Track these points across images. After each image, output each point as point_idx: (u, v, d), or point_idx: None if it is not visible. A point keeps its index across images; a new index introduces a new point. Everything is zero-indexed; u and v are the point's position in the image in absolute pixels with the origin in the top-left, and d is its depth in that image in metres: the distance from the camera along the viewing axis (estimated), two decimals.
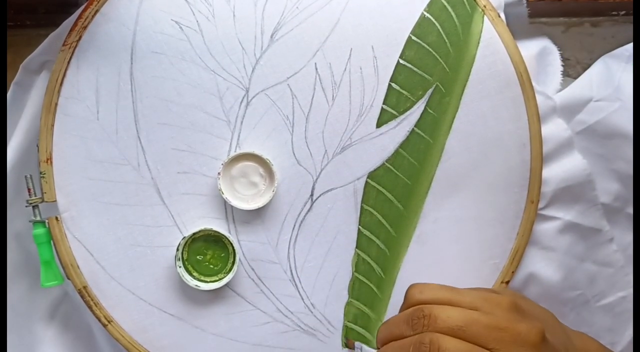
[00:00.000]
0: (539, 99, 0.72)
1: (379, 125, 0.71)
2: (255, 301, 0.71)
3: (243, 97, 0.70)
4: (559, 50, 0.79)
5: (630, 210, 0.77)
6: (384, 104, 0.71)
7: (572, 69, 0.83)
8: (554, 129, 0.74)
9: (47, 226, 0.69)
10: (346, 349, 0.72)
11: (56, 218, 0.69)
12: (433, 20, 0.70)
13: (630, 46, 0.76)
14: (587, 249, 0.76)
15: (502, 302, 0.59)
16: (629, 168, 0.75)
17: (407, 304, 0.61)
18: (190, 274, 0.70)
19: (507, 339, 0.55)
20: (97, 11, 0.68)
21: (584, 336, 0.63)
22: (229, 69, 0.69)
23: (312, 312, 0.71)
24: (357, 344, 0.65)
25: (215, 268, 0.70)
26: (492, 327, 0.55)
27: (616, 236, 0.77)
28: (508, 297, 0.59)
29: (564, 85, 0.78)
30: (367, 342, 0.71)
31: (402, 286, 0.70)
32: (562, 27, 0.83)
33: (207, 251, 0.70)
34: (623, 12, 0.82)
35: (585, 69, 0.79)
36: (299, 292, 0.71)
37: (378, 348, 0.61)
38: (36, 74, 0.73)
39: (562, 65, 0.79)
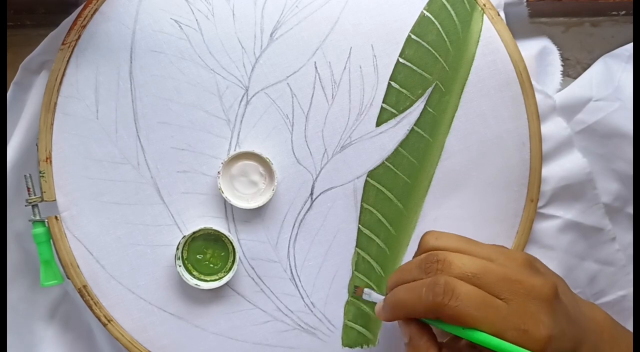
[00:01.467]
0: (539, 97, 0.72)
1: (378, 124, 0.71)
2: (255, 299, 0.71)
3: (243, 96, 0.70)
4: (559, 50, 0.79)
5: (630, 210, 0.77)
6: (383, 102, 0.71)
7: (572, 69, 0.83)
8: (553, 128, 0.74)
9: (46, 225, 0.69)
10: (347, 348, 0.72)
11: (56, 217, 0.69)
12: (433, 19, 0.70)
13: (630, 46, 0.76)
14: (589, 248, 0.75)
15: (517, 257, 0.59)
16: (628, 168, 0.75)
17: (421, 250, 0.62)
18: (190, 273, 0.69)
19: (521, 291, 0.55)
20: (96, 10, 0.69)
21: (593, 305, 0.63)
22: (228, 68, 0.70)
23: (312, 311, 0.71)
24: (366, 290, 0.65)
25: (215, 267, 0.70)
26: (507, 278, 0.56)
27: (617, 236, 0.77)
28: (523, 254, 0.60)
29: (563, 85, 0.78)
30: (366, 341, 0.72)
31: None
32: (562, 27, 0.83)
33: (207, 250, 0.70)
34: (623, 12, 0.81)
35: (585, 69, 0.79)
36: (299, 291, 0.71)
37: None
38: (36, 73, 0.73)
39: (562, 65, 0.79)
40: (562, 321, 0.55)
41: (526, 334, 0.53)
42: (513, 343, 0.53)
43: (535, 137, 0.72)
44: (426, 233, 0.62)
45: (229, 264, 0.70)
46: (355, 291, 0.66)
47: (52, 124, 0.69)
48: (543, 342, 0.53)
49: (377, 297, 0.64)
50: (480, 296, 0.54)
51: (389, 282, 0.61)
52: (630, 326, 0.64)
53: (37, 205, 0.69)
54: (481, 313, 0.54)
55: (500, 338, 0.53)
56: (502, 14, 0.73)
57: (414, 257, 0.62)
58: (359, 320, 0.71)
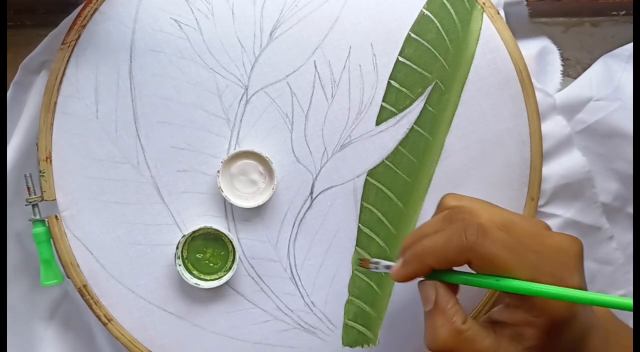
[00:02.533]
0: (539, 96, 0.72)
1: (378, 123, 0.71)
2: (255, 299, 0.71)
3: (242, 95, 0.70)
4: (559, 50, 0.79)
5: (630, 209, 0.77)
6: (383, 101, 0.71)
7: (572, 69, 0.83)
8: (553, 127, 0.74)
9: (46, 224, 0.69)
10: (347, 347, 0.72)
11: (56, 217, 0.69)
12: (432, 17, 0.70)
13: (630, 46, 0.76)
14: (587, 247, 0.74)
15: (539, 221, 0.59)
16: (628, 168, 0.75)
17: (441, 210, 0.60)
18: (190, 272, 0.69)
19: (550, 244, 0.55)
20: (96, 10, 0.69)
21: None
22: (228, 67, 0.70)
23: (312, 310, 0.71)
24: (373, 260, 0.62)
25: (215, 266, 0.70)
26: (535, 233, 0.55)
27: (616, 235, 0.77)
28: (543, 221, 0.59)
29: (563, 84, 0.78)
30: (367, 341, 0.71)
31: (403, 284, 0.69)
32: (562, 27, 0.83)
33: (206, 249, 0.70)
34: (623, 12, 0.81)
35: (585, 69, 0.79)
36: (299, 290, 0.71)
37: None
38: (35, 73, 0.73)
39: (562, 65, 0.79)
40: (584, 278, 0.55)
41: (560, 282, 0.52)
42: None
43: (536, 135, 0.71)
44: (447, 194, 0.61)
45: (229, 263, 0.70)
46: (360, 264, 0.64)
47: (52, 124, 0.69)
48: (578, 288, 0.53)
49: (386, 264, 0.61)
50: (513, 241, 0.53)
51: (406, 241, 0.58)
52: (629, 325, 0.64)
53: (37, 204, 0.69)
54: (515, 257, 0.52)
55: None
56: (502, 13, 0.73)
57: (431, 218, 0.61)
58: (359, 319, 0.71)
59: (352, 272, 0.71)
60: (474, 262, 0.53)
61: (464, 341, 0.53)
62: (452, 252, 0.53)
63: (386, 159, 0.71)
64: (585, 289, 0.54)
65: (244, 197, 0.70)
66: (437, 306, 0.55)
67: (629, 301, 0.50)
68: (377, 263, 0.62)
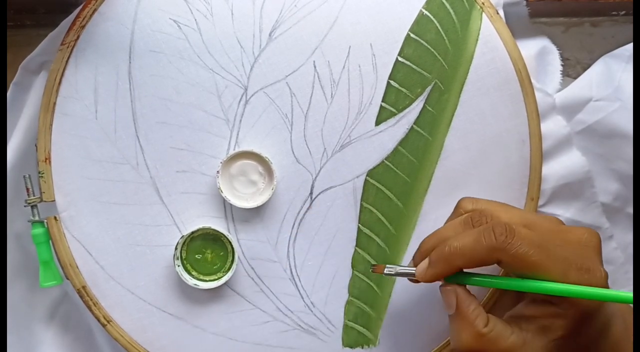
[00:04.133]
0: (538, 96, 0.72)
1: (378, 123, 0.71)
2: (255, 300, 0.71)
3: (242, 96, 0.70)
4: (559, 50, 0.79)
5: (630, 210, 0.77)
6: (382, 101, 0.71)
7: (572, 69, 0.83)
8: (552, 126, 0.74)
9: (45, 225, 0.69)
10: (347, 348, 0.71)
11: (55, 218, 0.69)
12: (431, 17, 0.70)
13: (630, 46, 0.76)
14: None
15: (554, 218, 0.61)
16: (628, 168, 0.75)
17: (458, 213, 0.62)
18: (189, 273, 0.69)
19: (571, 238, 0.56)
20: (95, 10, 0.69)
21: None
22: (227, 68, 0.69)
23: (312, 311, 0.71)
24: (388, 266, 0.63)
25: (214, 267, 0.70)
26: (555, 229, 0.57)
27: (616, 236, 0.77)
28: (557, 217, 0.62)
29: (563, 84, 0.78)
30: (367, 342, 0.71)
31: (403, 285, 0.70)
32: (562, 27, 0.83)
33: (205, 250, 0.70)
34: (623, 12, 0.81)
35: (585, 69, 0.79)
36: (298, 291, 0.71)
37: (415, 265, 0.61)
38: (35, 74, 0.73)
39: (562, 65, 0.78)
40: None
41: (589, 273, 0.54)
42: (578, 284, 0.53)
43: (535, 135, 0.71)
44: (462, 199, 0.63)
45: (228, 263, 0.70)
46: (373, 270, 0.65)
47: (51, 125, 0.69)
48: (604, 280, 0.54)
49: (405, 269, 0.62)
50: (539, 238, 0.55)
51: (425, 245, 0.61)
52: None
53: (36, 205, 0.69)
54: (544, 253, 0.54)
55: (565, 280, 0.53)
56: (501, 13, 0.73)
57: (446, 221, 0.64)
58: (359, 320, 0.71)
59: (352, 272, 0.71)
60: (505, 261, 0.54)
61: (487, 342, 0.55)
62: (483, 253, 0.55)
63: (386, 159, 0.71)
64: (607, 280, 0.55)
65: (244, 198, 0.70)
66: (459, 311, 0.57)
67: None
68: (392, 268, 0.63)
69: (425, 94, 0.71)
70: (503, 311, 0.61)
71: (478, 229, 0.56)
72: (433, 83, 0.71)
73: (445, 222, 0.64)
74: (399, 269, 0.63)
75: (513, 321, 0.57)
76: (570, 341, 0.56)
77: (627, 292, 0.53)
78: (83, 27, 0.69)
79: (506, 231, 0.54)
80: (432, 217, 0.72)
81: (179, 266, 0.69)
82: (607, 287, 0.55)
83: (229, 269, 0.69)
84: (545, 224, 0.58)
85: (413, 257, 0.63)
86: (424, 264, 0.59)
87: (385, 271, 0.63)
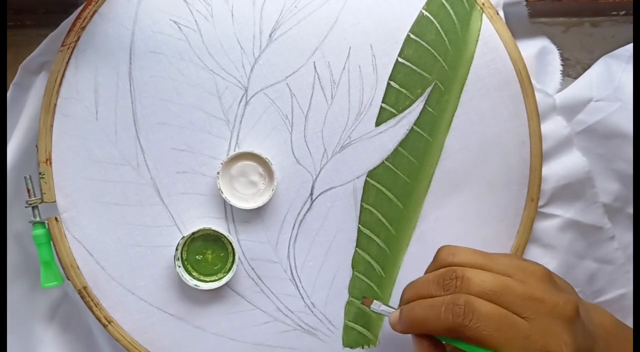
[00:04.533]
0: (538, 96, 0.72)
1: (378, 124, 0.71)
2: (255, 300, 0.71)
3: (242, 97, 0.70)
4: (559, 50, 0.79)
5: (631, 210, 0.77)
6: (383, 102, 0.71)
7: (572, 69, 0.83)
8: (553, 127, 0.74)
9: (46, 226, 0.69)
10: (348, 348, 0.72)
11: (56, 219, 0.69)
12: (432, 18, 0.70)
13: (630, 46, 0.76)
14: (588, 247, 0.75)
15: (536, 271, 0.59)
16: (629, 168, 0.74)
17: (436, 266, 0.61)
18: (190, 273, 0.69)
19: (543, 310, 0.55)
20: (95, 11, 0.69)
21: (599, 309, 0.63)
22: (227, 69, 0.70)
23: (312, 311, 0.71)
24: (375, 302, 0.66)
25: (215, 268, 0.70)
26: (528, 297, 0.55)
27: (617, 236, 0.77)
28: (541, 267, 0.59)
29: (563, 85, 0.78)
30: (367, 342, 0.71)
31: (402, 285, 0.69)
32: (562, 27, 0.83)
33: (206, 251, 0.70)
34: (623, 12, 0.81)
35: (585, 69, 0.79)
36: (299, 291, 0.71)
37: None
38: (35, 74, 0.73)
39: (562, 65, 0.78)
40: (581, 338, 0.55)
41: None
42: None
43: (535, 136, 0.72)
44: (441, 248, 0.62)
45: (229, 264, 0.70)
46: (363, 302, 0.67)
47: (51, 126, 0.69)
48: None
49: (387, 310, 0.65)
50: (502, 315, 0.54)
51: (405, 295, 0.61)
52: (629, 324, 0.64)
53: (37, 206, 0.69)
54: (503, 334, 0.53)
55: None
56: (501, 13, 0.73)
57: (426, 271, 0.63)
58: (360, 320, 0.71)
59: (352, 273, 0.71)
60: (463, 339, 0.55)
61: None
62: (441, 329, 0.56)
63: (386, 160, 0.71)
64: (578, 348, 0.54)
65: (244, 199, 0.70)
66: None
67: None
68: (378, 306, 0.66)
69: (426, 94, 0.71)
70: None
71: (441, 302, 0.56)
72: (433, 84, 0.71)
73: (425, 272, 0.63)
74: (383, 307, 0.65)
75: None
76: None
77: None
78: (83, 28, 0.69)
79: (465, 312, 0.54)
80: (432, 217, 0.72)
81: (179, 266, 0.69)
82: None
83: (229, 269, 0.69)
84: (520, 290, 0.55)
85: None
86: (396, 316, 0.61)
87: (371, 306, 0.66)
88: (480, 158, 0.72)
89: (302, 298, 0.71)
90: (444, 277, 0.58)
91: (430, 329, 0.57)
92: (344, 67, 0.70)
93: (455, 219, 0.72)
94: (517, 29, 0.75)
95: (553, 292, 0.56)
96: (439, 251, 0.62)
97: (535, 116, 0.71)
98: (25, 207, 0.69)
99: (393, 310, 0.63)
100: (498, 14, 0.72)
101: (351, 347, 0.71)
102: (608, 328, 0.61)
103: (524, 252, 0.73)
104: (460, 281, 0.56)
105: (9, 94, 0.73)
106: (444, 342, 0.59)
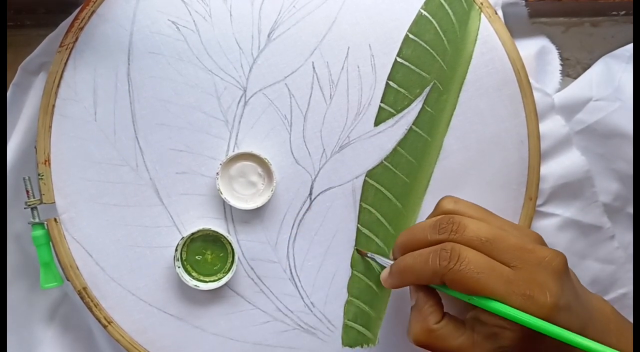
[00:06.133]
0: (537, 96, 0.72)
1: (377, 123, 0.71)
2: (255, 300, 0.71)
3: (241, 97, 0.70)
4: (558, 50, 0.79)
5: (630, 209, 0.76)
6: (381, 102, 0.71)
7: (572, 69, 0.83)
8: (552, 126, 0.74)
9: (46, 227, 0.69)
10: (347, 347, 0.72)
11: (55, 220, 0.69)
12: (430, 17, 0.70)
13: (630, 46, 0.76)
14: (588, 246, 0.75)
15: (530, 233, 0.61)
16: (628, 168, 0.74)
17: (437, 212, 0.64)
18: (190, 274, 0.69)
19: (532, 260, 0.56)
20: (93, 12, 0.69)
21: (600, 298, 0.63)
22: (226, 69, 0.70)
23: (311, 311, 0.71)
24: (369, 254, 0.68)
25: (215, 268, 0.70)
26: (519, 247, 0.57)
27: (617, 236, 0.76)
28: (536, 233, 0.62)
29: (563, 84, 0.78)
30: (367, 341, 0.71)
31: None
32: (562, 27, 0.83)
33: (205, 251, 0.70)
34: (623, 12, 0.81)
35: (585, 69, 0.79)
36: (298, 291, 0.71)
37: (394, 258, 0.63)
38: (34, 75, 0.73)
39: (561, 65, 0.78)
40: (570, 295, 0.56)
41: (531, 300, 0.54)
42: (517, 308, 0.54)
43: (534, 135, 0.72)
44: (444, 197, 0.64)
45: (228, 264, 0.70)
46: (357, 251, 0.69)
47: (50, 127, 0.69)
48: (548, 309, 0.54)
49: (382, 260, 0.67)
50: (486, 261, 0.55)
51: (398, 240, 0.62)
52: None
53: (36, 207, 0.69)
54: (484, 277, 0.54)
55: (506, 304, 0.54)
56: (500, 13, 0.73)
57: (427, 218, 0.64)
58: (359, 319, 0.71)
59: (352, 272, 0.71)
60: (446, 283, 0.56)
61: (435, 338, 0.58)
62: (428, 275, 0.57)
63: (385, 159, 0.71)
64: (567, 303, 0.55)
65: (243, 199, 0.70)
66: (416, 305, 0.60)
67: (586, 341, 0.53)
68: (373, 257, 0.68)
69: (424, 94, 0.71)
70: None
71: (429, 249, 0.58)
72: (432, 83, 0.71)
73: (426, 218, 0.65)
74: (377, 258, 0.68)
75: (470, 321, 0.58)
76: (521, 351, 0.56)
77: (557, 328, 0.53)
78: (81, 28, 0.69)
79: (450, 256, 0.55)
80: None
81: (179, 267, 0.69)
82: (551, 315, 0.54)
83: (229, 269, 0.70)
84: (511, 240, 0.57)
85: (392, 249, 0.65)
86: (386, 272, 0.63)
87: (368, 254, 0.69)
88: (479, 157, 0.71)
89: (302, 298, 0.71)
90: (440, 221, 0.59)
91: (418, 276, 0.58)
92: (342, 67, 0.70)
93: None
94: (516, 28, 0.75)
95: (544, 247, 0.58)
96: (441, 199, 0.64)
97: (533, 116, 0.71)
98: (25, 208, 0.69)
99: (387, 260, 0.66)
100: (496, 13, 0.72)
101: (351, 347, 0.71)
102: (608, 315, 0.61)
103: None
104: (456, 226, 0.58)
105: (8, 94, 0.73)
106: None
